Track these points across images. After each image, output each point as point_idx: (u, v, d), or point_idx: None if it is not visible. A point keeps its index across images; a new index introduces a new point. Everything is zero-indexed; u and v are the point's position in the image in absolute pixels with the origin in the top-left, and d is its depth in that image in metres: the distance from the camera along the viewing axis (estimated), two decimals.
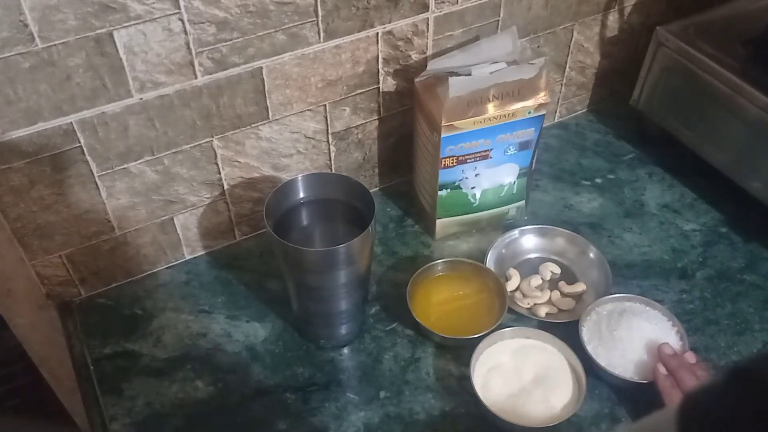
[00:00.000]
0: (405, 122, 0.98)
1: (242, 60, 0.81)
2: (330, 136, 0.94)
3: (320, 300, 0.82)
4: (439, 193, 0.93)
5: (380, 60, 0.90)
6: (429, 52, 0.93)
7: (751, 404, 0.31)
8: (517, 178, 0.95)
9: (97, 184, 0.82)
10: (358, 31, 0.86)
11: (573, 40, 1.06)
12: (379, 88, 0.93)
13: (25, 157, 0.76)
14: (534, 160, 0.94)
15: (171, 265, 0.96)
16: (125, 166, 0.83)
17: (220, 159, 0.88)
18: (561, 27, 1.03)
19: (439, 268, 0.92)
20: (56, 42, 0.70)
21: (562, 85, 1.12)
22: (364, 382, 0.84)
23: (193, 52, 0.77)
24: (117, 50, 0.73)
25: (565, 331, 0.85)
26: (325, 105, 0.91)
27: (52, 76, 0.72)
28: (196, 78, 0.79)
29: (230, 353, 0.86)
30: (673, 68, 1.01)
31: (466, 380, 0.81)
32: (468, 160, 0.90)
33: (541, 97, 0.87)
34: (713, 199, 1.03)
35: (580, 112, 1.19)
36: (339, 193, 0.84)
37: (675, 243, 0.98)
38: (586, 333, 0.84)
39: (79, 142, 0.78)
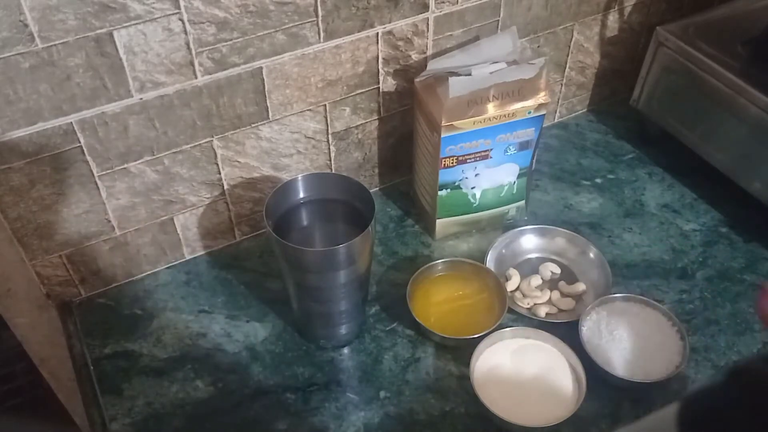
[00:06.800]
0: (405, 122, 0.98)
1: (242, 60, 0.81)
2: (330, 136, 0.94)
3: (320, 300, 0.82)
4: (439, 193, 0.93)
5: (380, 60, 0.90)
6: (429, 52, 0.93)
7: (751, 404, 0.31)
8: (517, 178, 0.95)
9: (97, 184, 0.82)
10: (358, 31, 0.86)
11: (573, 40, 1.06)
12: (379, 88, 0.93)
13: (25, 157, 0.76)
14: (534, 160, 0.94)
15: (171, 265, 0.96)
16: (125, 166, 0.83)
17: (220, 159, 0.88)
18: (561, 27, 1.03)
19: (439, 268, 0.92)
20: (56, 42, 0.70)
21: (562, 85, 1.12)
22: (364, 382, 0.84)
23: (193, 52, 0.77)
24: (117, 50, 0.73)
25: (565, 331, 0.85)
26: (325, 105, 0.91)
27: (52, 76, 0.72)
28: (196, 78, 0.79)
29: (230, 353, 0.86)
30: (673, 68, 1.01)
31: (466, 380, 0.81)
32: (468, 160, 0.90)
33: (541, 97, 0.87)
34: (713, 199, 1.03)
35: (580, 112, 1.19)
36: (339, 193, 0.84)
37: (675, 243, 0.98)
38: (586, 333, 0.84)
39: (79, 142, 0.78)
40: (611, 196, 1.05)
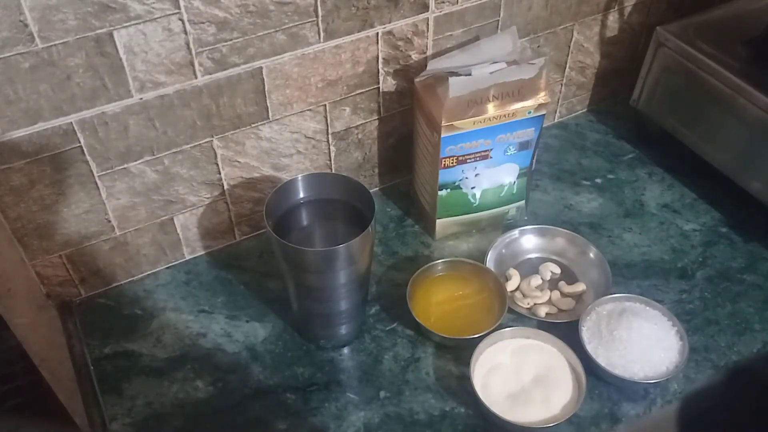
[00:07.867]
0: (405, 122, 0.98)
1: (242, 60, 0.81)
2: (330, 136, 0.94)
3: (320, 300, 0.82)
4: (439, 193, 0.93)
5: (380, 60, 0.90)
6: (429, 52, 0.93)
7: (751, 404, 0.31)
8: (517, 178, 0.95)
9: (97, 184, 0.82)
10: (358, 31, 0.86)
11: (573, 40, 1.06)
12: (379, 88, 0.93)
13: (25, 157, 0.76)
14: (534, 160, 0.94)
15: (171, 265, 0.96)
16: (125, 166, 0.83)
17: (220, 159, 0.88)
18: (561, 27, 1.03)
19: (439, 268, 0.92)
20: (56, 42, 0.70)
21: (562, 85, 1.12)
22: (364, 382, 0.84)
23: (193, 52, 0.77)
24: (117, 50, 0.73)
25: (565, 331, 0.85)
26: (325, 105, 0.91)
27: (52, 76, 0.72)
28: (196, 78, 0.80)
29: (230, 353, 0.86)
30: (673, 68, 1.01)
31: (466, 380, 0.81)
32: (468, 160, 0.90)
33: (541, 97, 0.87)
34: (713, 199, 1.03)
35: (580, 112, 1.19)
36: (339, 193, 0.84)
37: (675, 243, 0.98)
38: (586, 333, 0.84)
39: (79, 142, 0.78)
40: (611, 196, 1.05)
